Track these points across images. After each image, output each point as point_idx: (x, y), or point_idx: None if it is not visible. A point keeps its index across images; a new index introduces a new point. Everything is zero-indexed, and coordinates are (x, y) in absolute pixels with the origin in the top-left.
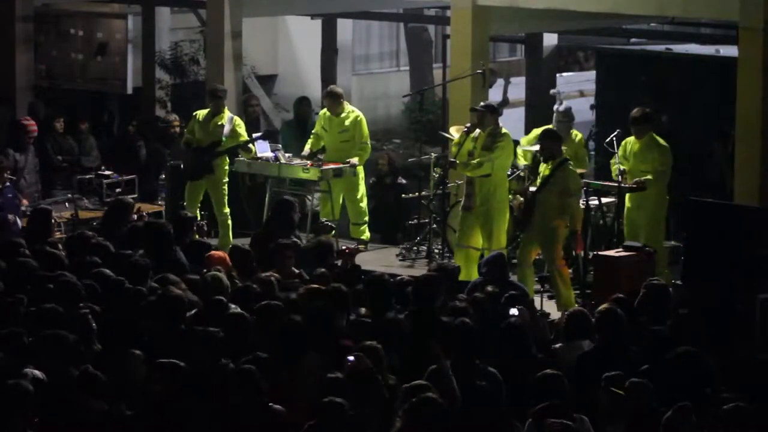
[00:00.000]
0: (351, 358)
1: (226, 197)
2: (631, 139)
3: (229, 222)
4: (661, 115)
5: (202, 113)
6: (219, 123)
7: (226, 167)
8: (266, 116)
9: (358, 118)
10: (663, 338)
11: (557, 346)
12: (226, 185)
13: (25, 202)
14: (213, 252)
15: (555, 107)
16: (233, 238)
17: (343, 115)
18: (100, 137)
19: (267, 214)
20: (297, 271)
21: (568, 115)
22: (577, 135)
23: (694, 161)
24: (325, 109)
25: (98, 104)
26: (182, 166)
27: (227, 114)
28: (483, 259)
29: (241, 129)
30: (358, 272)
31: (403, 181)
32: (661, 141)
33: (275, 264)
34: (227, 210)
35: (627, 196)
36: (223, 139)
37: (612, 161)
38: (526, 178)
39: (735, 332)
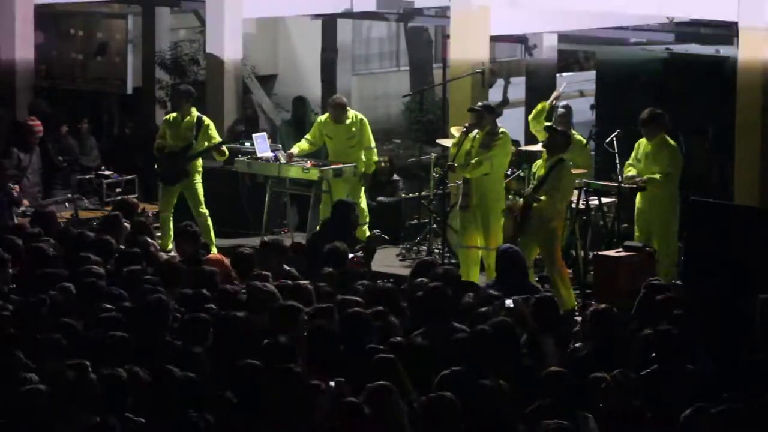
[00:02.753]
0: (332, 383)
1: (202, 196)
2: (643, 140)
3: (209, 222)
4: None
5: (172, 116)
6: (189, 125)
7: (200, 168)
8: (267, 116)
9: (363, 122)
10: (660, 339)
11: (577, 345)
12: (200, 184)
13: (25, 202)
14: (210, 255)
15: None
16: (234, 238)
17: (348, 121)
18: (100, 137)
19: (325, 217)
20: (288, 269)
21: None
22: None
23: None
24: (324, 117)
25: (98, 104)
26: (156, 170)
27: (195, 114)
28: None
29: (212, 131)
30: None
31: (398, 180)
32: (672, 142)
33: (266, 264)
34: (205, 210)
35: (638, 197)
36: (194, 141)
37: (626, 165)
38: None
39: (735, 332)
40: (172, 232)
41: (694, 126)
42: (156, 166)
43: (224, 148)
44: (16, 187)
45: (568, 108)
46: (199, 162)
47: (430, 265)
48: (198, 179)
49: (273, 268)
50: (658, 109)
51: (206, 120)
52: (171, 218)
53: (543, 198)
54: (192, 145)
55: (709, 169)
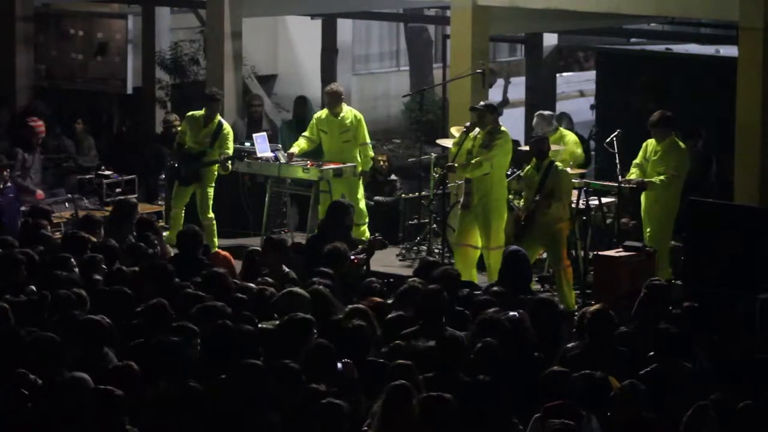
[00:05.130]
0: (339, 365)
1: (211, 202)
2: (652, 140)
3: (214, 227)
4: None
5: (196, 115)
6: (210, 131)
7: (215, 173)
8: (267, 116)
9: (358, 118)
10: (659, 339)
11: (571, 344)
12: (212, 190)
13: (41, 194)
14: (217, 251)
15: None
16: (234, 238)
17: (342, 115)
18: (100, 137)
19: (323, 217)
20: (286, 270)
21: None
22: (566, 135)
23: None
24: (321, 112)
25: (98, 104)
26: (176, 165)
27: (218, 119)
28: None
29: (228, 140)
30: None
31: (395, 180)
32: (681, 144)
33: (266, 263)
34: (212, 215)
35: (643, 195)
36: (209, 148)
37: (633, 164)
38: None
39: (735, 332)
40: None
41: (695, 126)
42: (175, 164)
43: (229, 164)
44: (40, 193)
45: (558, 115)
46: (215, 167)
47: (433, 266)
48: (212, 185)
49: (270, 265)
50: (667, 111)
51: (226, 128)
52: (182, 214)
53: (552, 206)
54: (206, 152)
55: (702, 169)
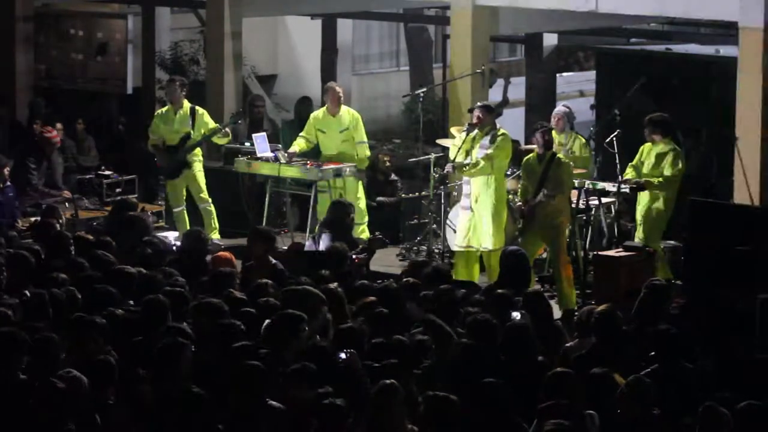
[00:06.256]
0: (342, 355)
1: (204, 184)
2: (648, 144)
3: (211, 208)
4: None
5: (163, 110)
6: (183, 117)
7: (200, 157)
8: (266, 116)
9: (356, 117)
10: (660, 339)
11: (571, 344)
12: (202, 172)
13: (67, 193)
14: (219, 253)
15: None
16: (234, 238)
17: (340, 114)
18: (100, 137)
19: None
20: (273, 261)
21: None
22: (574, 137)
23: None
24: (318, 112)
25: (98, 104)
26: (158, 166)
27: (187, 105)
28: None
29: (207, 117)
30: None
31: (397, 180)
32: (677, 147)
33: (253, 253)
34: (207, 196)
35: (639, 196)
36: (191, 131)
37: (629, 166)
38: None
39: (735, 332)
40: (188, 225)
41: (695, 126)
42: (156, 162)
43: (227, 129)
44: (66, 192)
45: (564, 113)
46: (198, 150)
47: (423, 266)
48: (199, 168)
49: (257, 256)
50: (664, 112)
51: (200, 109)
52: (185, 212)
53: (555, 198)
54: (190, 135)
55: (702, 169)
